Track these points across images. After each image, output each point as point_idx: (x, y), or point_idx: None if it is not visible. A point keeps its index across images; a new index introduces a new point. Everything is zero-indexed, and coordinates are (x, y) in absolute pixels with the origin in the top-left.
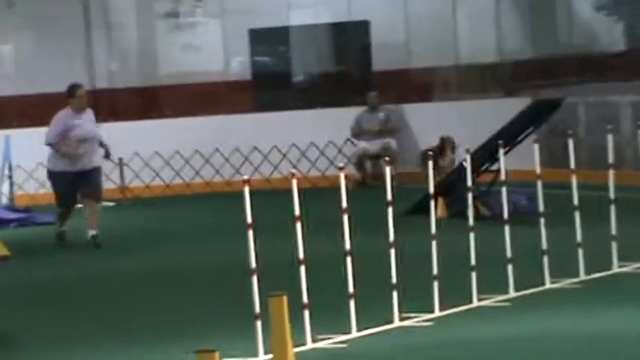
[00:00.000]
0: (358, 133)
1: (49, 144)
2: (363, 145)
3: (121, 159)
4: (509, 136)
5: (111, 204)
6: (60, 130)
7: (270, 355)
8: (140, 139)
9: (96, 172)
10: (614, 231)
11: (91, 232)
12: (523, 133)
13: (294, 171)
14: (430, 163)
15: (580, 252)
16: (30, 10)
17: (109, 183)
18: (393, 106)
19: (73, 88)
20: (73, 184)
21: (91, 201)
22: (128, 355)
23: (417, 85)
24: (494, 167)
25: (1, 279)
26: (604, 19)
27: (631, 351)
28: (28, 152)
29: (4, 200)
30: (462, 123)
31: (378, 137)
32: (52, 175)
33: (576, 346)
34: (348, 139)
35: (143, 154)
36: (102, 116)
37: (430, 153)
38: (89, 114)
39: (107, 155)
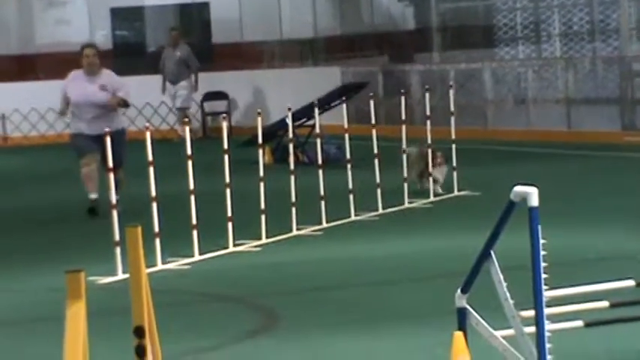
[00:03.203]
0: (163, 67)
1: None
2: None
3: (3, 114)
4: (323, 103)
5: None
6: (62, 92)
7: (127, 275)
8: (19, 97)
9: (116, 135)
10: (405, 174)
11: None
12: (334, 102)
13: (147, 125)
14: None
15: (378, 191)
16: None
17: None
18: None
19: (81, 48)
20: (92, 141)
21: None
22: (7, 272)
23: (248, 55)
24: (312, 123)
25: None
26: (398, 4)
27: (414, 267)
28: None
29: None
30: (283, 87)
31: (177, 71)
32: (71, 137)
33: (373, 264)
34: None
35: (22, 109)
36: None
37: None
38: (102, 77)
39: (126, 105)
